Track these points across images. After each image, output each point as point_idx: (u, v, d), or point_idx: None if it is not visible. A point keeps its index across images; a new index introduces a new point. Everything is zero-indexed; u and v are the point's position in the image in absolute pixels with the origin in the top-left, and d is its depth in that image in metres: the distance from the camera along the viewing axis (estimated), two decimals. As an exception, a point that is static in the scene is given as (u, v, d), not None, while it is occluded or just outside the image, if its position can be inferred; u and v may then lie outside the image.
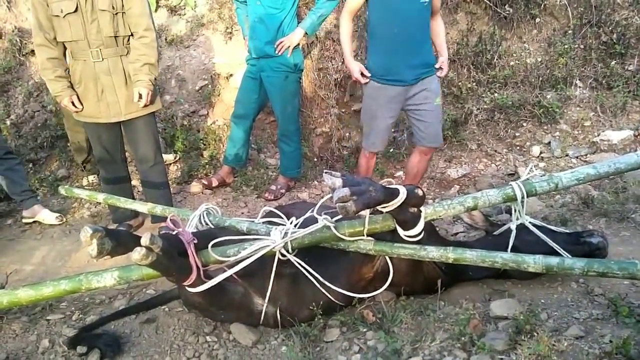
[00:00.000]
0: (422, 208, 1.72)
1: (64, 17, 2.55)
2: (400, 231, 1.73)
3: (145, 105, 2.76)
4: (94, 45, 2.63)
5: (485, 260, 1.69)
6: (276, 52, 3.30)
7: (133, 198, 3.05)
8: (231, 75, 4.69)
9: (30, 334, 2.09)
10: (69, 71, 2.74)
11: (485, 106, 3.99)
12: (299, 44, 3.39)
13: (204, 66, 4.81)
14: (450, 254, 1.73)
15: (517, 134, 3.89)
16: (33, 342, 2.04)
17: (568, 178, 1.85)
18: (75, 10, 2.54)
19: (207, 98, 4.67)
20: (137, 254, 1.48)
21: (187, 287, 1.76)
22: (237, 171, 3.99)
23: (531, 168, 1.97)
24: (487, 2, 4.25)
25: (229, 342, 1.95)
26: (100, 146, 2.90)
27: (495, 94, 3.99)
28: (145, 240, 1.49)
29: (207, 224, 2.13)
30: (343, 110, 4.57)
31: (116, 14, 2.61)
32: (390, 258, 1.87)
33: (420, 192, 1.66)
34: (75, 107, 2.74)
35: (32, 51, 4.77)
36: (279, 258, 1.83)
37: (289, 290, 1.91)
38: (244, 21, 3.55)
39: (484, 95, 4.03)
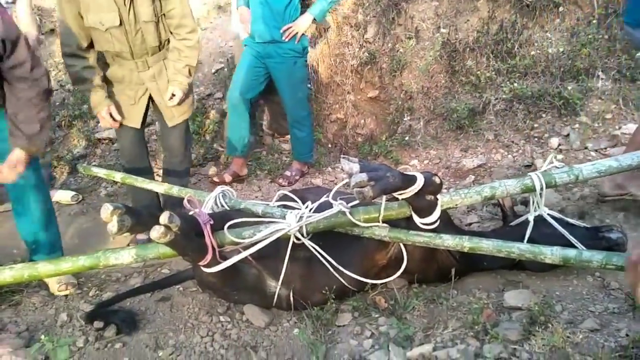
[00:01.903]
0: (438, 196, 1.72)
1: (105, 30, 2.41)
2: (416, 219, 1.73)
3: (178, 104, 2.69)
4: (139, 55, 2.53)
5: (502, 250, 1.68)
6: (283, 38, 3.19)
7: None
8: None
9: (49, 307, 2.15)
10: (103, 77, 2.59)
11: (504, 96, 3.92)
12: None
13: (220, 49, 4.81)
14: (466, 243, 1.72)
15: (535, 125, 3.82)
16: (51, 315, 2.10)
17: (589, 170, 1.82)
18: (120, 24, 2.40)
19: (222, 81, 4.67)
20: (155, 232, 1.50)
21: (202, 267, 1.79)
22: (251, 162, 3.98)
23: (551, 159, 1.94)
24: (510, -11, 4.15)
25: (242, 323, 1.98)
26: (127, 143, 2.83)
27: (515, 84, 3.91)
28: (163, 218, 1.51)
29: (222, 206, 2.15)
30: (358, 97, 4.53)
31: (158, 21, 2.49)
32: (405, 245, 1.87)
33: (437, 180, 1.65)
34: (114, 119, 2.60)
35: (52, 30, 4.81)
36: (293, 242, 1.84)
37: (302, 273, 1.92)
38: None
39: (503, 84, 3.96)
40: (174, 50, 2.59)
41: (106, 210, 1.45)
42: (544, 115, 3.86)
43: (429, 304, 1.91)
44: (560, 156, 3.52)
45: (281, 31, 3.19)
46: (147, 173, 2.97)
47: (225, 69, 4.69)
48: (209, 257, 1.73)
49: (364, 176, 1.46)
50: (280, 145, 4.30)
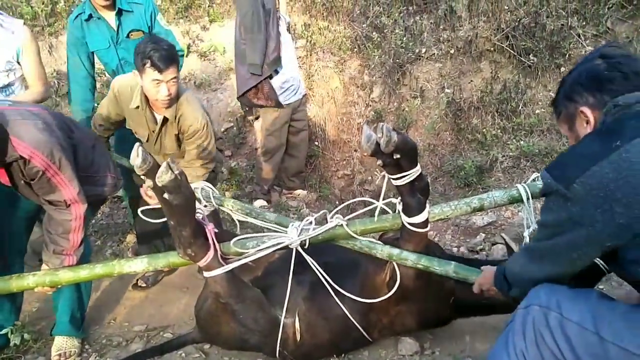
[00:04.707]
0: (427, 204, 1.77)
1: (134, 133, 2.58)
2: (404, 218, 1.76)
3: None
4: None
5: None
6: None
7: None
8: (257, 117, 4.79)
9: (46, 375, 2.06)
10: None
11: (511, 153, 3.95)
12: None
13: (230, 108, 4.95)
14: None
15: (544, 182, 3.82)
16: (48, 384, 2.01)
17: None
18: (147, 141, 2.57)
19: (231, 139, 4.76)
20: (162, 167, 1.54)
21: (205, 274, 1.81)
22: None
23: (534, 178, 2.00)
24: (511, 51, 4.29)
25: (247, 393, 1.88)
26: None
27: (521, 142, 3.95)
28: (165, 163, 1.56)
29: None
30: (365, 154, 4.58)
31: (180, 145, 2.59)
32: (398, 267, 1.85)
33: (427, 179, 1.76)
34: None
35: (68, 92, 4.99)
36: (296, 267, 1.88)
37: (307, 297, 1.95)
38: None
39: (509, 142, 4.00)
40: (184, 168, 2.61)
41: (135, 150, 1.52)
42: (552, 172, 3.86)
43: (443, 374, 1.81)
44: (571, 214, 3.47)
45: None
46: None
47: (235, 128, 4.80)
48: (210, 253, 1.76)
49: (389, 126, 1.54)
50: (287, 202, 4.30)
